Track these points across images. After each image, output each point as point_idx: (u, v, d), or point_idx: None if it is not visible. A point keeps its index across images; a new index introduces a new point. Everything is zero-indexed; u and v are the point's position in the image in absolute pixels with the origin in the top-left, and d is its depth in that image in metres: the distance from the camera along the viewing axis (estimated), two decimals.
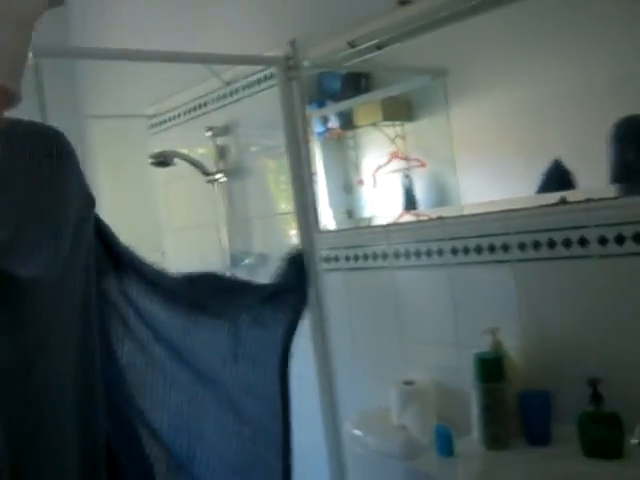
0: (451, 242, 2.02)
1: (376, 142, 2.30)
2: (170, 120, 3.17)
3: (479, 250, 1.94)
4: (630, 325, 1.64)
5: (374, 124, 2.29)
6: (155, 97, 3.21)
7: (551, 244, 1.77)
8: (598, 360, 1.69)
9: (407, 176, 2.19)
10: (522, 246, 1.83)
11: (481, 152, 1.99)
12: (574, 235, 1.72)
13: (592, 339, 1.71)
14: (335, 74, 2.40)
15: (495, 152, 1.95)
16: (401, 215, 2.23)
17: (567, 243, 1.73)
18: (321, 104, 2.47)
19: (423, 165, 2.14)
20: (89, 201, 1.04)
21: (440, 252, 2.06)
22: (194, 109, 3.01)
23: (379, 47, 2.18)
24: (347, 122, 2.40)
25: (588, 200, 1.69)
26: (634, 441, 1.47)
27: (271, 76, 2.57)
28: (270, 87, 2.59)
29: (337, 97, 2.41)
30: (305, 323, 2.52)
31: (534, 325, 1.84)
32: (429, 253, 2.09)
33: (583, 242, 1.70)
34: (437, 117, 2.10)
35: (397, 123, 2.22)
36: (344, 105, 2.39)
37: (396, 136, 2.22)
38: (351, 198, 2.44)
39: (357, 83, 2.33)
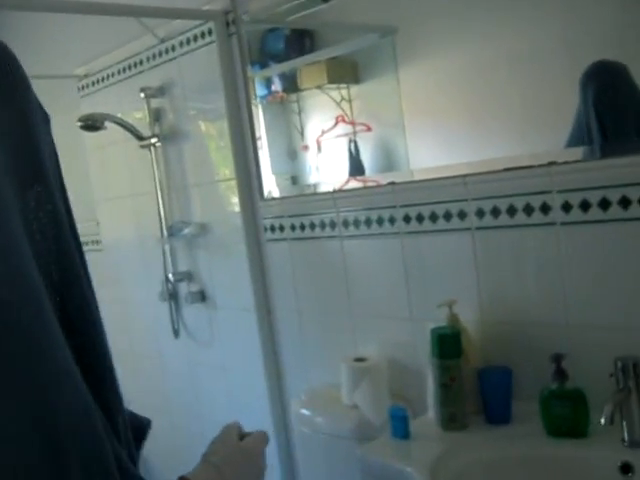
0: (404, 209, 1.91)
1: (321, 106, 2.23)
2: (102, 81, 2.99)
3: (434, 218, 1.83)
4: (595, 296, 1.55)
5: (319, 87, 2.21)
6: (85, 57, 3.03)
7: (511, 211, 1.66)
8: (562, 334, 1.61)
9: (353, 141, 2.12)
10: (480, 213, 1.73)
11: (431, 115, 1.91)
12: (536, 201, 1.61)
13: (555, 312, 1.62)
14: (278, 34, 2.30)
15: (446, 115, 1.87)
16: (347, 181, 2.15)
17: (529, 209, 1.63)
18: (264, 66, 2.38)
19: (370, 129, 2.07)
20: (47, 117, 0.87)
21: (392, 220, 1.95)
22: (127, 69, 2.83)
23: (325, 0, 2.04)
24: (291, 85, 2.33)
25: (550, 163, 1.58)
26: (602, 420, 1.39)
27: (209, 32, 2.41)
28: (208, 44, 2.43)
29: (280, 58, 2.32)
30: (248, 296, 2.46)
31: (493, 297, 1.74)
32: (380, 221, 1.98)
33: (545, 209, 1.60)
34: (385, 79, 2.02)
35: (343, 86, 2.15)
36: (287, 66, 2.31)
37: (342, 99, 2.14)
38: (295, 164, 2.36)
39: (301, 43, 2.25)
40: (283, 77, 2.34)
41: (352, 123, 2.11)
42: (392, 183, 1.95)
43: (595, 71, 1.53)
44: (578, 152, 1.57)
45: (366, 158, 2.10)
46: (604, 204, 1.50)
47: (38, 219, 0.78)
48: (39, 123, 0.83)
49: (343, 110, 2.13)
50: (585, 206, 1.53)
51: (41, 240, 0.78)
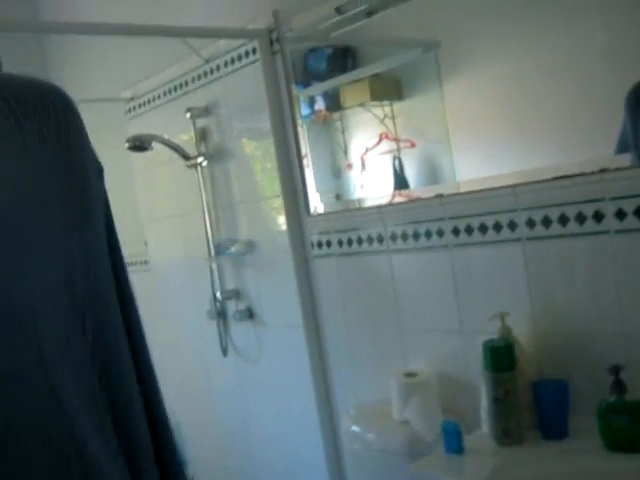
0: (452, 222, 1.89)
1: (364, 123, 2.23)
2: (148, 103, 3.03)
3: (483, 229, 1.81)
4: None
5: (362, 104, 2.21)
6: (132, 79, 3.07)
7: (563, 220, 1.63)
8: (619, 345, 1.56)
9: (397, 158, 2.11)
10: (531, 223, 1.70)
11: (477, 128, 1.89)
12: (588, 209, 1.58)
13: (612, 322, 1.58)
14: (320, 53, 2.31)
15: (492, 127, 1.85)
16: (393, 197, 2.13)
17: (581, 218, 1.59)
18: (306, 85, 2.38)
19: (414, 145, 2.06)
20: (100, 168, 0.88)
21: (440, 233, 1.92)
22: (173, 90, 2.87)
23: (368, 14, 2.05)
24: (334, 103, 2.32)
25: (602, 170, 1.55)
26: None
27: (253, 51, 2.43)
28: (252, 63, 2.45)
29: (323, 77, 2.32)
30: (296, 313, 2.45)
31: (546, 309, 1.70)
32: (428, 234, 1.96)
33: (598, 216, 1.56)
34: (429, 94, 2.02)
35: (386, 103, 2.15)
36: (330, 84, 2.30)
37: (385, 116, 2.14)
38: (339, 182, 2.35)
39: (344, 62, 2.25)
40: (326, 96, 2.33)
41: (396, 140, 2.10)
42: (440, 195, 1.93)
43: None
44: (627, 159, 1.53)
45: (411, 174, 2.09)
46: None
47: (79, 266, 0.78)
48: (91, 172, 0.83)
49: (387, 127, 2.13)
50: None
51: (80, 286, 0.78)
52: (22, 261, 0.72)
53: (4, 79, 0.78)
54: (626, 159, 1.53)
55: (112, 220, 0.88)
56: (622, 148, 1.55)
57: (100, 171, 0.86)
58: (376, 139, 2.15)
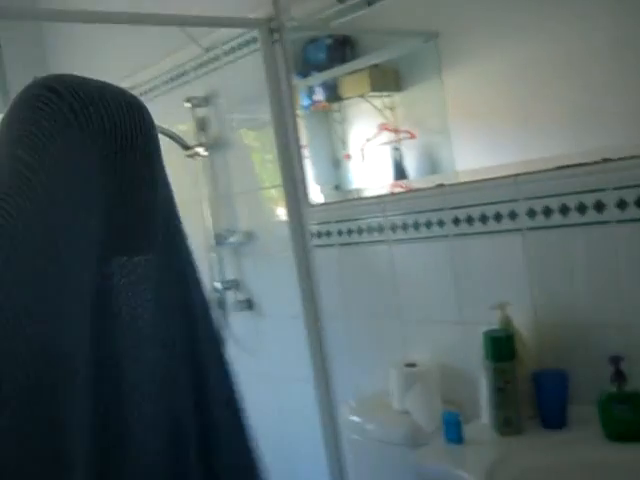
0: (453, 212, 1.88)
1: (364, 114, 2.22)
2: (147, 92, 3.01)
3: (484, 219, 1.80)
4: None
5: (361, 95, 2.20)
6: (131, 68, 3.05)
7: (564, 210, 1.62)
8: (620, 335, 1.56)
9: (397, 148, 2.10)
10: (532, 213, 1.69)
11: (477, 118, 1.88)
12: (589, 199, 1.57)
13: (612, 312, 1.58)
14: (320, 44, 2.30)
15: (492, 117, 1.84)
16: (393, 187, 2.13)
17: (582, 208, 1.59)
18: (306, 75, 2.37)
19: (413, 136, 2.05)
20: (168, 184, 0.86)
21: (441, 223, 1.92)
22: (172, 79, 2.85)
23: (369, 3, 2.05)
24: (333, 94, 2.31)
25: (604, 160, 1.54)
26: None
27: (253, 40, 2.41)
28: (252, 52, 2.44)
29: (322, 68, 2.31)
30: (296, 303, 2.44)
31: (547, 299, 1.70)
32: (429, 224, 1.95)
33: (599, 207, 1.56)
34: (429, 84, 2.01)
35: (385, 94, 2.14)
36: (330, 74, 2.29)
37: (385, 107, 2.13)
38: (339, 173, 2.35)
39: (343, 52, 2.24)
40: (325, 86, 2.33)
41: (396, 131, 2.09)
42: (441, 185, 1.92)
43: None
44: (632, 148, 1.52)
45: (410, 165, 2.08)
46: None
47: (117, 289, 0.75)
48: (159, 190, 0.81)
49: (386, 118, 2.12)
50: None
51: (112, 312, 0.74)
52: None
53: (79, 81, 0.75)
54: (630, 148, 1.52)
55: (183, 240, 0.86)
56: None
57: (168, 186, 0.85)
58: (375, 130, 2.15)
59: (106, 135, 0.73)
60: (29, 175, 0.65)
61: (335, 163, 2.34)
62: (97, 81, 0.77)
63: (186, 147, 2.71)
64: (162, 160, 0.81)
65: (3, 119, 0.72)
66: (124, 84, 2.91)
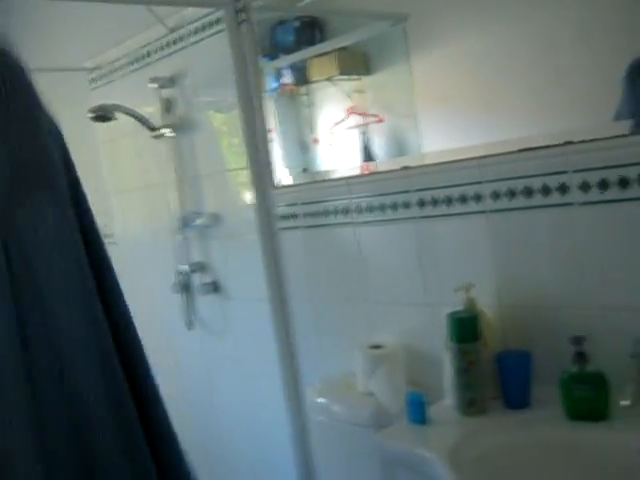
0: (418, 194, 1.89)
1: (332, 98, 2.22)
2: (112, 73, 2.98)
3: (449, 201, 1.81)
4: (615, 278, 1.52)
5: (329, 79, 2.19)
6: (95, 49, 3.01)
7: (527, 192, 1.63)
8: (581, 316, 1.58)
9: (364, 132, 2.11)
10: (496, 195, 1.70)
11: (445, 102, 1.89)
12: (553, 182, 1.58)
13: (574, 293, 1.59)
14: (288, 26, 2.29)
15: (460, 102, 1.85)
16: (360, 170, 2.13)
17: (545, 190, 1.60)
18: (274, 58, 2.36)
19: (382, 120, 2.05)
20: (59, 130, 0.85)
21: (406, 205, 1.92)
22: (137, 60, 2.82)
23: None
24: (301, 77, 2.31)
25: (567, 143, 1.55)
26: (624, 402, 1.37)
27: (218, 21, 2.39)
28: (218, 33, 2.41)
29: (290, 50, 2.31)
30: (262, 286, 2.43)
31: (510, 280, 1.72)
32: (394, 206, 1.96)
33: (563, 189, 1.57)
34: (397, 68, 2.01)
35: (354, 77, 2.14)
36: (298, 57, 2.29)
37: (353, 91, 2.13)
38: (307, 156, 2.35)
39: (311, 35, 2.23)
40: (293, 69, 2.32)
41: (364, 114, 2.09)
42: (406, 167, 1.92)
43: None
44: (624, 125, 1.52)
45: (378, 149, 2.09)
46: (623, 183, 1.47)
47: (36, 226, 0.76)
48: (46, 133, 0.80)
49: (355, 101, 2.12)
50: (603, 185, 1.50)
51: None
52: None
53: None
54: (623, 126, 1.51)
55: (78, 184, 0.86)
56: (619, 116, 1.53)
57: (58, 131, 0.84)
58: (344, 114, 2.14)
59: None
60: None
61: (303, 146, 2.34)
62: None
63: (152, 128, 2.69)
64: (44, 108, 0.81)
65: None
66: (88, 64, 2.86)
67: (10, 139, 0.75)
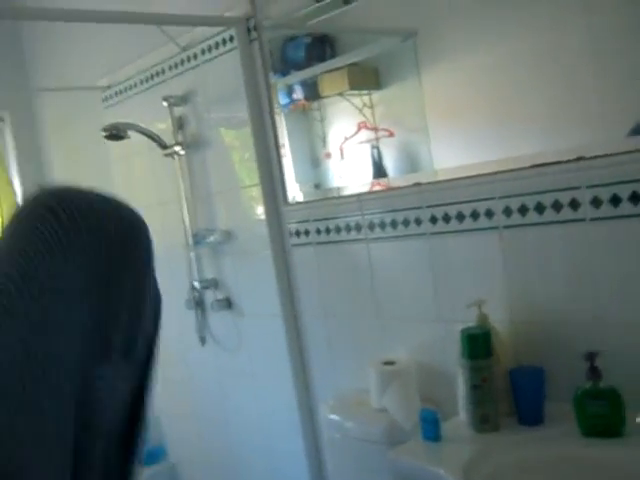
0: (430, 210, 1.89)
1: (343, 113, 2.22)
2: (125, 91, 2.99)
3: (461, 217, 1.81)
4: (628, 293, 1.52)
5: (340, 94, 2.19)
6: (108, 67, 3.04)
7: (540, 208, 1.63)
8: (595, 332, 1.57)
9: (376, 147, 2.11)
10: (508, 211, 1.70)
11: (456, 117, 1.88)
12: (565, 197, 1.58)
13: (588, 309, 1.59)
14: (299, 42, 2.29)
15: (471, 116, 1.84)
16: (372, 185, 2.13)
17: (557, 206, 1.60)
18: (285, 74, 2.37)
19: (392, 135, 2.05)
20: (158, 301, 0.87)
21: (418, 221, 1.92)
22: (149, 78, 2.84)
23: (346, 1, 2.05)
24: (312, 93, 2.31)
25: (579, 158, 1.55)
26: (638, 419, 1.36)
27: (231, 39, 2.41)
28: (230, 51, 2.43)
29: (301, 66, 2.31)
30: (275, 302, 2.44)
31: (523, 296, 1.71)
32: (406, 223, 1.96)
33: (574, 204, 1.57)
34: (407, 83, 2.01)
35: (364, 92, 2.13)
36: (308, 73, 2.29)
37: (364, 105, 2.13)
38: (319, 172, 2.34)
39: (322, 51, 2.23)
40: (304, 85, 2.32)
41: (374, 129, 2.09)
42: (418, 184, 1.93)
43: None
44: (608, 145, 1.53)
45: (389, 163, 2.08)
46: (635, 198, 1.47)
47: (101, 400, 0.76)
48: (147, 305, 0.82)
49: (365, 116, 2.12)
50: (616, 201, 1.50)
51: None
52: None
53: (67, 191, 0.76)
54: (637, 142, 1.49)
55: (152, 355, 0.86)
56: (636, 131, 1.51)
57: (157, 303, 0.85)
58: (355, 128, 2.14)
59: (98, 258, 0.75)
60: (16, 302, 0.68)
61: (315, 162, 2.34)
62: (99, 197, 0.79)
63: (164, 146, 2.70)
64: (154, 272, 0.83)
65: (6, 227, 0.74)
66: (102, 82, 2.90)
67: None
